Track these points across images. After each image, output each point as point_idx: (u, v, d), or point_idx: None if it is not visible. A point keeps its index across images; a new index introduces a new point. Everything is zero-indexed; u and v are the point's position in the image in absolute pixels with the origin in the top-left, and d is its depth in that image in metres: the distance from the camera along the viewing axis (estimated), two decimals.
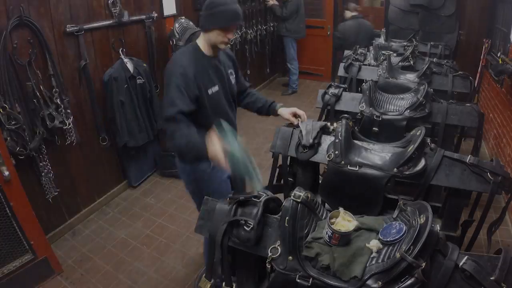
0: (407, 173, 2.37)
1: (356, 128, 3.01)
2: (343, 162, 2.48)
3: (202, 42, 2.67)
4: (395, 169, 2.38)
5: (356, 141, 2.67)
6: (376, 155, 2.53)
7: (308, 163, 2.74)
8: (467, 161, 2.36)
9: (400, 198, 2.13)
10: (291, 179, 2.85)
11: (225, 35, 2.55)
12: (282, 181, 2.89)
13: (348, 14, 7.08)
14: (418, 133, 2.46)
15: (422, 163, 2.38)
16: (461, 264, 1.50)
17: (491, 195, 2.30)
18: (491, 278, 1.46)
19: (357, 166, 2.46)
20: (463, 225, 2.54)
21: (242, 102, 3.22)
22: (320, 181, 2.84)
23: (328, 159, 2.55)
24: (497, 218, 2.54)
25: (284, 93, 8.58)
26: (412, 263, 1.46)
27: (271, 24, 8.30)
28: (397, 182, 2.61)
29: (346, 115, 2.84)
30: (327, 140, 2.69)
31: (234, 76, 2.95)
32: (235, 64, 3.02)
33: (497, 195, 2.35)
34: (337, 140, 2.55)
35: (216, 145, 2.28)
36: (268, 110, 3.09)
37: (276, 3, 7.98)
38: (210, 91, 2.66)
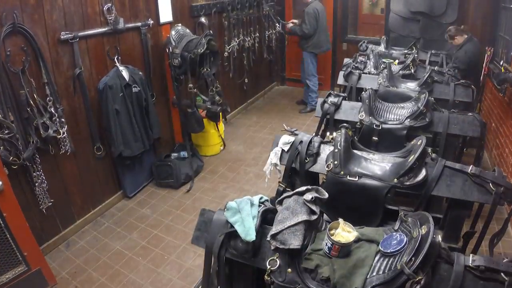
0: (407, 183, 2.38)
1: (355, 137, 3.03)
2: (342, 172, 2.50)
3: None
4: (396, 180, 2.40)
5: (355, 151, 2.68)
6: (376, 165, 2.54)
7: (307, 173, 2.74)
8: (469, 171, 2.37)
9: (400, 209, 2.15)
10: (289, 190, 2.77)
11: None
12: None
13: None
14: (418, 143, 2.48)
15: (423, 173, 2.39)
16: (470, 263, 1.52)
17: (493, 206, 2.32)
18: (505, 260, 1.48)
19: (357, 177, 2.48)
20: (464, 237, 2.56)
21: None
22: None
23: (327, 169, 2.56)
24: (499, 230, 2.53)
25: (303, 111, 8.07)
26: (408, 275, 1.47)
27: (269, 32, 8.13)
28: (397, 192, 2.60)
29: (345, 124, 2.82)
30: (326, 150, 2.71)
31: None
32: None
33: (499, 206, 2.36)
34: (336, 150, 2.57)
35: None
36: None
37: (295, 21, 7.72)
38: None
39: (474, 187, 2.35)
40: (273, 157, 2.82)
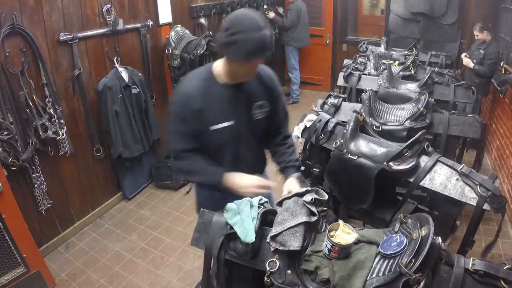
0: (394, 168, 2.53)
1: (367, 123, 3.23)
2: (345, 150, 2.75)
3: (219, 68, 2.29)
4: (385, 163, 2.56)
5: (363, 134, 2.87)
6: (374, 148, 2.71)
7: (321, 148, 3.10)
8: (459, 169, 2.44)
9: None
10: (308, 162, 3.24)
11: (249, 67, 2.21)
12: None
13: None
14: (417, 135, 2.61)
15: (412, 161, 2.51)
16: (470, 266, 1.51)
17: (476, 209, 2.34)
18: (505, 267, 1.48)
19: (356, 156, 2.70)
20: (461, 245, 2.60)
21: (270, 145, 2.68)
22: None
23: (334, 146, 2.85)
24: (490, 242, 2.53)
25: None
26: (407, 275, 1.47)
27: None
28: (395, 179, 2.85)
29: (357, 110, 3.13)
30: (340, 130, 3.00)
31: (267, 109, 2.45)
32: (274, 94, 2.50)
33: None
34: (345, 131, 2.84)
35: (242, 179, 2.28)
36: (281, 171, 2.57)
37: (281, 14, 8.14)
38: (217, 127, 2.30)
39: (463, 187, 2.40)
40: (296, 130, 3.22)
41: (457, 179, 2.43)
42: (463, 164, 2.47)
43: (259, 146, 2.61)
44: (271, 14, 7.96)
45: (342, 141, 2.77)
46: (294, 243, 1.72)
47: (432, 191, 2.52)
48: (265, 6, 7.82)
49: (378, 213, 2.87)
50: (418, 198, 3.11)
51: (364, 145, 2.74)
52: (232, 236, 1.87)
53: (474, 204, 2.33)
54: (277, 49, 8.68)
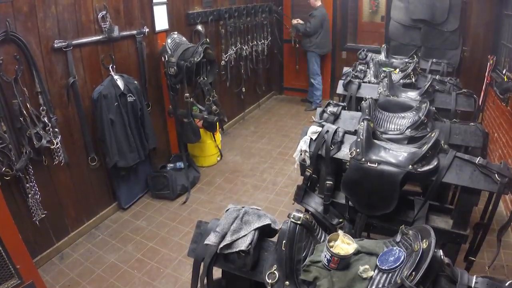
0: (421, 170, 2.60)
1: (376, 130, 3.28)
2: (363, 159, 2.75)
3: None
4: (410, 166, 2.62)
5: (375, 141, 2.92)
6: (394, 153, 2.76)
7: (332, 160, 3.04)
8: (476, 162, 2.56)
9: (415, 199, 2.75)
10: (315, 176, 3.21)
11: None
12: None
13: None
14: (432, 135, 2.70)
15: (435, 161, 2.61)
16: (473, 284, 1.52)
17: (498, 196, 2.52)
18: (507, 283, 1.50)
19: (376, 163, 2.72)
20: (474, 228, 2.81)
21: None
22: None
23: (350, 156, 2.84)
24: (506, 221, 2.77)
25: (308, 109, 8.74)
26: None
27: (265, 42, 8.23)
28: (412, 179, 2.88)
29: (367, 117, 3.10)
30: (349, 139, 3.03)
31: None
32: None
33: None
34: (358, 139, 2.84)
35: None
36: None
37: (301, 22, 8.30)
38: None
39: (481, 177, 2.54)
40: (303, 144, 3.12)
41: (474, 170, 2.57)
42: (479, 157, 2.60)
43: None
44: (294, 20, 8.36)
45: (358, 150, 2.79)
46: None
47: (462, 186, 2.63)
48: (280, 8, 8.55)
49: (402, 216, 2.91)
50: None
51: (383, 152, 2.78)
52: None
53: (496, 191, 2.48)
54: (275, 57, 8.89)
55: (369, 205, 2.86)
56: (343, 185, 2.90)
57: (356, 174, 2.79)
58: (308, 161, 3.14)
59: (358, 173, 2.78)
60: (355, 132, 3.09)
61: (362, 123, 2.94)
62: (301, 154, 3.15)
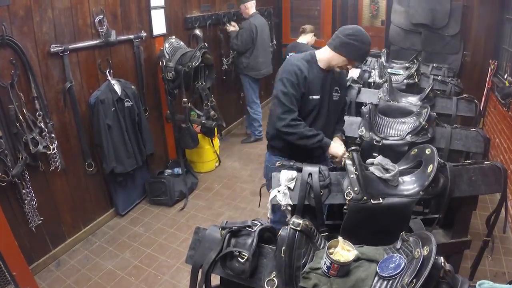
0: (433, 192, 2.52)
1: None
2: (365, 197, 2.45)
3: (322, 55, 3.20)
4: (421, 192, 2.48)
5: (370, 172, 2.60)
6: (395, 184, 2.55)
7: (324, 207, 2.83)
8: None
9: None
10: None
11: (346, 64, 3.12)
12: None
13: None
14: (427, 152, 2.61)
15: (441, 180, 2.52)
16: None
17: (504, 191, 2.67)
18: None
19: (380, 199, 2.47)
20: (487, 223, 2.93)
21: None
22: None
23: (347, 198, 2.47)
24: (494, 209, 2.87)
25: (245, 141, 7.44)
26: None
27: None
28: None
29: (355, 147, 2.67)
30: (337, 177, 2.64)
31: (338, 94, 3.34)
32: (343, 84, 3.49)
33: None
34: (352, 176, 2.50)
35: (338, 145, 3.13)
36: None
37: (236, 29, 6.74)
38: (313, 96, 3.15)
39: (480, 181, 2.58)
40: (281, 198, 2.58)
41: (473, 176, 2.61)
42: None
43: (333, 122, 3.41)
44: (231, 28, 6.75)
45: (356, 189, 2.44)
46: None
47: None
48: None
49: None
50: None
51: (381, 185, 2.52)
52: (228, 254, 1.88)
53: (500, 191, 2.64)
54: (274, 61, 7.69)
55: (378, 239, 2.37)
56: (343, 232, 2.48)
57: (358, 216, 2.47)
58: (289, 216, 2.57)
59: (361, 214, 2.46)
60: (342, 168, 2.73)
61: (351, 155, 2.57)
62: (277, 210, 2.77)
